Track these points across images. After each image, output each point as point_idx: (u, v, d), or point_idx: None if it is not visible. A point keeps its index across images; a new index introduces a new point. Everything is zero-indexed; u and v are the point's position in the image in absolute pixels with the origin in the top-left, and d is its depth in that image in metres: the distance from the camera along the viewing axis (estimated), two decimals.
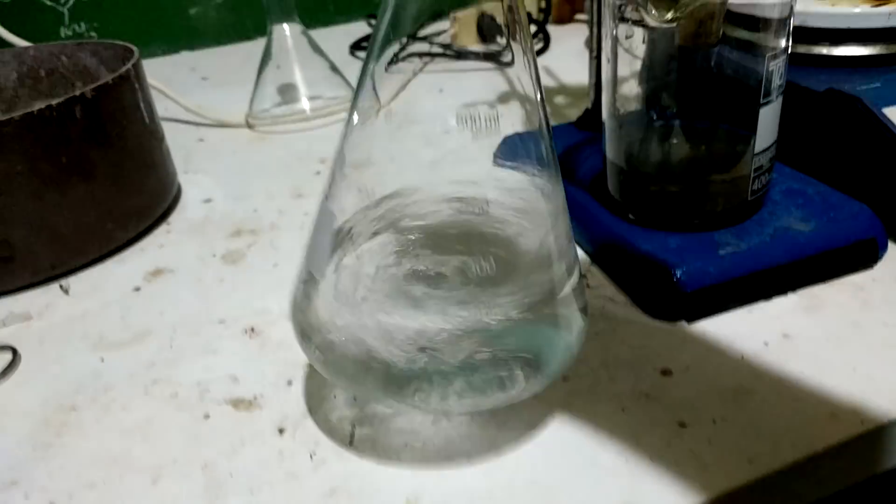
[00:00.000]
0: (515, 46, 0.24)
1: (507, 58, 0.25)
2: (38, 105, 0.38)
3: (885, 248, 0.35)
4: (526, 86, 0.24)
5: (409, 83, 0.25)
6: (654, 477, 0.25)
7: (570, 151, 0.45)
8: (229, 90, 0.69)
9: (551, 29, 0.79)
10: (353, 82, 0.63)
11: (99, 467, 0.28)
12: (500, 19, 0.24)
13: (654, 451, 0.26)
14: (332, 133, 0.59)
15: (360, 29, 0.89)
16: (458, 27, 0.27)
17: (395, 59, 0.24)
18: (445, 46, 0.25)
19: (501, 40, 0.25)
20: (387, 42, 0.23)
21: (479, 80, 0.25)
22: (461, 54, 0.26)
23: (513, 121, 0.28)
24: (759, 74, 0.33)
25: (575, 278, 0.26)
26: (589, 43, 0.48)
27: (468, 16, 0.25)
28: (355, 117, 0.25)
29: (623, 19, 0.35)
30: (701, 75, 0.35)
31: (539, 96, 0.25)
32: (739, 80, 0.34)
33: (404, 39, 0.24)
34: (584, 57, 0.71)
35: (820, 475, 0.26)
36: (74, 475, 0.27)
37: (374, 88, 0.24)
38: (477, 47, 0.25)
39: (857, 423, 0.26)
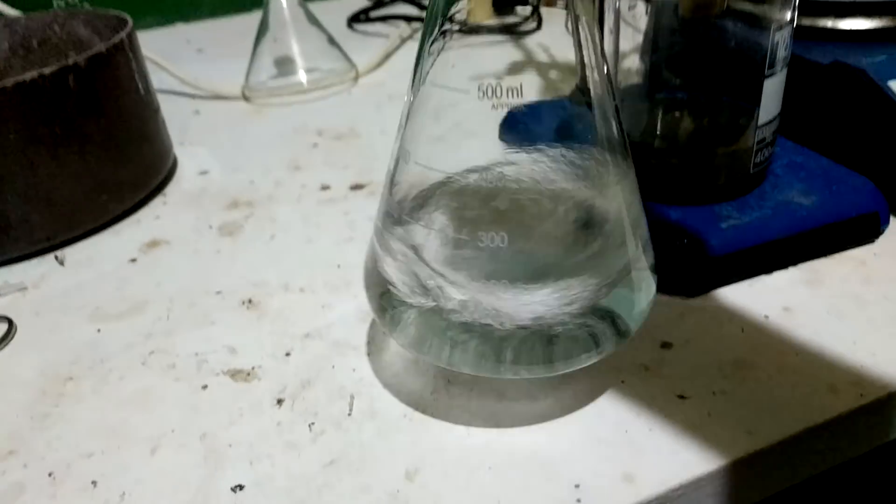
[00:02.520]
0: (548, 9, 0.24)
1: (531, 26, 0.24)
2: (31, 74, 0.37)
3: (887, 222, 0.35)
4: (556, 50, 0.24)
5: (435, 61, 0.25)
6: (653, 449, 0.25)
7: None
8: (225, 62, 0.68)
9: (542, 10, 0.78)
10: (352, 55, 0.63)
11: (97, 437, 0.28)
12: None
13: (654, 423, 0.26)
14: (329, 106, 0.59)
15: (357, 2, 0.87)
16: (474, 3, 0.27)
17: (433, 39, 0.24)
18: (461, 24, 0.25)
19: (525, 9, 0.24)
20: (434, 21, 0.24)
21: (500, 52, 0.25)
22: (479, 30, 0.26)
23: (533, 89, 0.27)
24: (764, 46, 0.32)
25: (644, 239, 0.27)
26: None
27: None
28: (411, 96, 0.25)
29: None
30: (704, 47, 0.35)
31: (586, 55, 0.24)
32: (743, 52, 0.33)
33: (441, 19, 0.24)
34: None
35: (819, 448, 0.26)
36: (73, 445, 0.27)
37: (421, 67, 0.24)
38: (492, 21, 0.25)
39: (856, 396, 0.26)
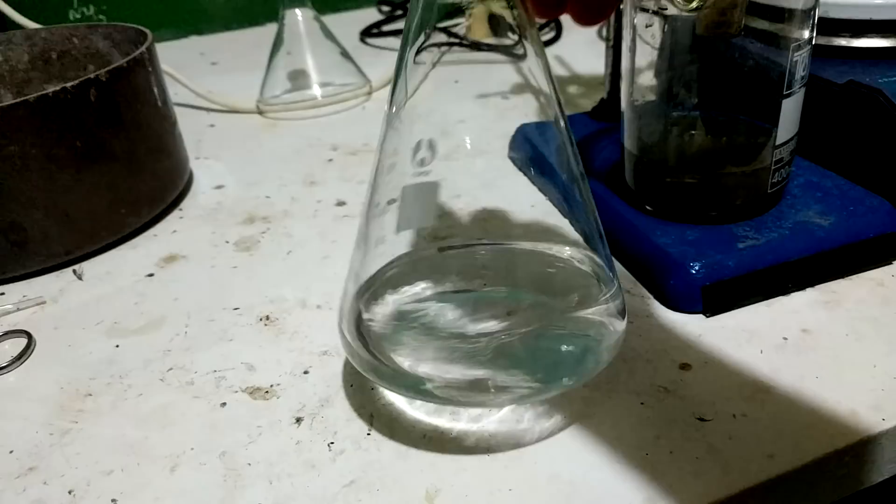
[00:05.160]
0: (526, 43, 0.24)
1: (519, 51, 0.25)
2: (52, 87, 0.37)
3: None
4: (539, 79, 0.25)
5: (428, 75, 0.25)
6: (674, 472, 0.25)
7: (586, 142, 0.45)
8: (239, 76, 0.69)
9: (563, 18, 0.78)
10: (365, 69, 0.63)
11: (117, 454, 0.28)
12: (508, 18, 0.24)
13: (675, 445, 0.26)
14: (343, 120, 0.59)
15: (369, 16, 0.88)
16: (473, 20, 0.27)
17: (420, 50, 0.24)
18: (461, 38, 0.25)
19: (513, 35, 0.25)
20: (418, 32, 0.24)
21: (494, 72, 0.25)
22: (477, 46, 0.26)
23: (527, 111, 0.28)
24: (782, 66, 0.32)
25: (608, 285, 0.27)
26: (606, 32, 0.47)
27: (481, 10, 0.25)
28: (393, 108, 0.26)
29: (643, 9, 0.35)
30: (721, 66, 0.35)
31: (553, 90, 0.25)
32: (760, 72, 0.34)
33: (429, 30, 0.24)
34: (597, 46, 0.70)
35: (842, 473, 0.26)
36: (92, 462, 0.27)
37: (406, 79, 0.24)
38: (490, 40, 0.25)
39: (878, 420, 0.26)
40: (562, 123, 0.26)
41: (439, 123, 0.26)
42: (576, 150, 0.26)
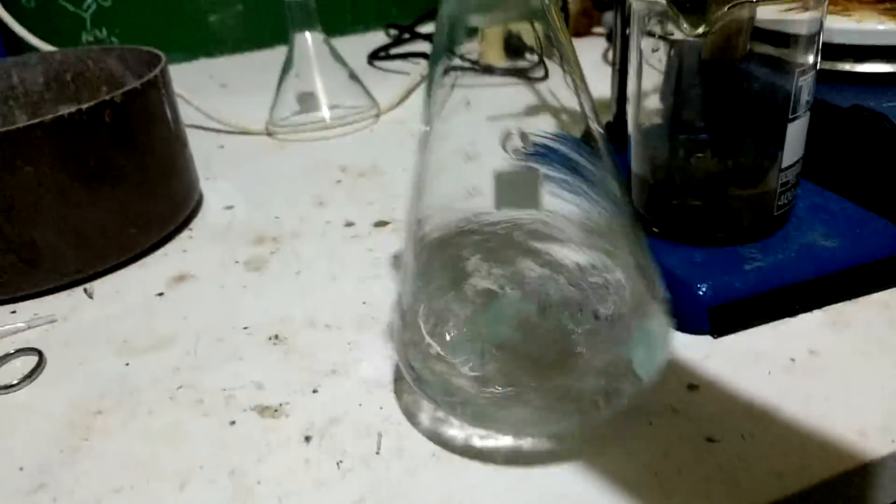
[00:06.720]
0: (550, 63, 0.24)
1: (539, 73, 0.25)
2: (67, 109, 0.38)
3: None
4: (564, 98, 0.25)
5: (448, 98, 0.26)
6: (683, 492, 0.25)
7: None
8: (248, 98, 0.69)
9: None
10: (373, 91, 0.64)
11: (126, 472, 0.28)
12: (527, 38, 0.24)
13: (683, 465, 0.26)
14: (351, 142, 0.59)
15: (377, 38, 0.89)
16: (486, 44, 0.27)
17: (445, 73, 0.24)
18: (473, 62, 0.25)
19: (532, 57, 0.25)
20: (438, 57, 0.24)
21: (510, 94, 0.26)
22: (493, 70, 0.26)
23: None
24: (787, 90, 0.33)
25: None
26: (612, 56, 0.48)
27: (495, 32, 0.25)
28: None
29: (649, 33, 0.35)
30: (727, 90, 0.35)
31: (585, 108, 0.25)
32: (766, 96, 0.34)
33: (450, 54, 0.25)
34: (602, 70, 0.71)
35: (850, 494, 0.26)
36: (102, 479, 0.27)
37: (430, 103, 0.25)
38: (504, 63, 0.26)
39: (887, 441, 0.26)
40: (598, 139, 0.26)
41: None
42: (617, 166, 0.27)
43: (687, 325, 0.33)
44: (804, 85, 0.33)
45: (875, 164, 0.38)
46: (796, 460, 0.26)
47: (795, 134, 0.34)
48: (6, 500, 0.27)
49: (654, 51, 0.36)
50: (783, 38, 0.33)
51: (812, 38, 0.33)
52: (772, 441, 0.27)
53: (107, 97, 0.39)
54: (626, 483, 0.25)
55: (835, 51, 0.42)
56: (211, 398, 0.31)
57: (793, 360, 0.31)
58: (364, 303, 0.37)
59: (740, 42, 0.33)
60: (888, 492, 0.27)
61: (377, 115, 0.64)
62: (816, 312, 0.33)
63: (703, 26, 0.31)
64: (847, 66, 0.42)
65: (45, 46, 0.66)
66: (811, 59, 0.33)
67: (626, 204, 0.27)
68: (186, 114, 0.60)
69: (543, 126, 0.26)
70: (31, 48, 0.67)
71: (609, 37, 0.79)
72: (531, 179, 0.25)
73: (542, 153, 0.28)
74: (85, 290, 0.40)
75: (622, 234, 0.28)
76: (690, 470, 0.26)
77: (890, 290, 0.35)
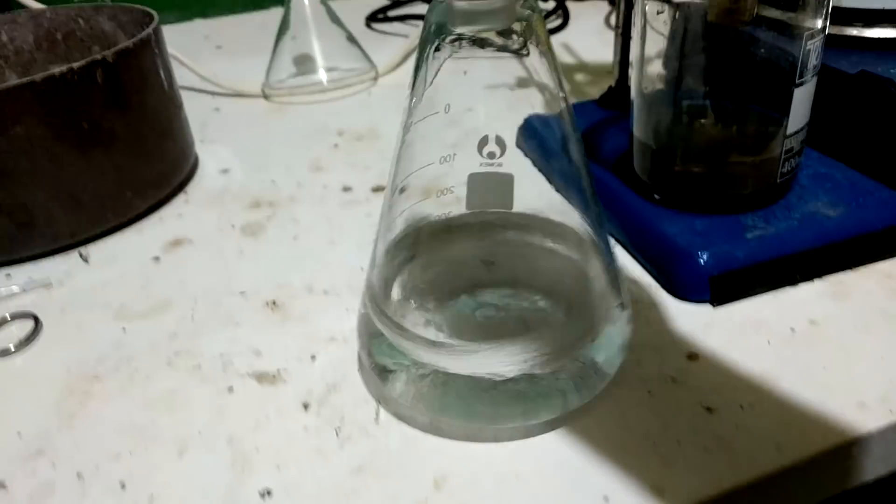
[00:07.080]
0: (532, 48, 0.25)
1: (524, 52, 0.25)
2: (58, 68, 0.37)
3: None
4: (544, 76, 0.25)
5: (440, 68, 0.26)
6: (682, 462, 0.25)
7: (594, 130, 0.44)
8: (244, 59, 0.68)
9: (570, 5, 0.78)
10: (370, 54, 0.63)
11: (124, 438, 0.28)
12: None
13: (682, 435, 0.26)
14: (349, 105, 0.59)
15: (375, 0, 0.87)
16: None
17: (438, 47, 0.25)
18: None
19: (519, 39, 0.25)
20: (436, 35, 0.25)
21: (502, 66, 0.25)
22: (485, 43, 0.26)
23: (533, 103, 0.28)
24: (794, 55, 0.32)
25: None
26: (615, 19, 0.47)
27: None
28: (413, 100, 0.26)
29: None
30: (732, 55, 0.35)
31: (559, 87, 0.25)
32: (772, 61, 0.33)
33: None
34: (604, 34, 0.70)
35: (849, 465, 0.26)
36: (100, 445, 0.27)
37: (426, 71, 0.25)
38: (498, 39, 0.25)
39: (886, 412, 0.26)
40: (567, 117, 0.26)
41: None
42: (581, 144, 0.27)
43: (687, 293, 0.33)
44: (812, 49, 0.32)
45: (881, 132, 0.38)
46: (795, 431, 0.26)
47: (801, 99, 0.33)
48: (5, 465, 0.27)
49: (658, 13, 0.35)
50: (791, 2, 0.32)
51: (821, 2, 0.32)
52: (771, 411, 0.26)
53: (98, 56, 0.38)
54: (625, 453, 0.25)
55: (844, 15, 0.41)
56: (208, 364, 0.31)
57: (793, 329, 0.30)
58: (362, 269, 0.36)
59: (747, 5, 0.33)
60: (887, 462, 0.27)
61: (375, 78, 0.63)
62: (817, 282, 0.33)
63: None
64: (855, 31, 0.41)
65: (35, 4, 0.64)
66: (819, 22, 0.32)
67: (595, 205, 0.27)
68: (181, 75, 0.58)
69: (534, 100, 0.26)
70: (21, 6, 0.65)
71: (612, 0, 0.78)
72: (505, 181, 0.25)
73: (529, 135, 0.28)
74: (80, 254, 0.40)
75: (589, 235, 0.28)
76: (689, 440, 0.26)
77: (892, 259, 0.34)
